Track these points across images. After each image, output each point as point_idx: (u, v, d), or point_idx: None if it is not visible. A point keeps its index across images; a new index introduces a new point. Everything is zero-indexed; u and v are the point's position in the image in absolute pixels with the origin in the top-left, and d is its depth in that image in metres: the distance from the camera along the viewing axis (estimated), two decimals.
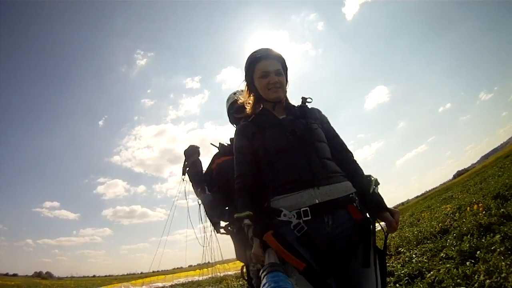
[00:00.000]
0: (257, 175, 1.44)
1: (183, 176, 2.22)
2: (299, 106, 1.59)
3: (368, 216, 1.34)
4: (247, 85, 1.64)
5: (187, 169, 2.19)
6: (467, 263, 3.04)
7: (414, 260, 4.41)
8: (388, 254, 5.32)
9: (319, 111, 1.62)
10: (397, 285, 3.69)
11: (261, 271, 1.04)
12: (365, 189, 1.37)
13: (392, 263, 4.84)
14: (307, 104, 1.60)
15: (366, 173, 1.47)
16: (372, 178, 1.41)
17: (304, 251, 1.22)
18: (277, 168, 1.37)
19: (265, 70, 1.52)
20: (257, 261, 1.26)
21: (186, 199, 2.23)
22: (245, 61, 1.60)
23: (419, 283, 3.16)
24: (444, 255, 4.05)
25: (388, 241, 7.06)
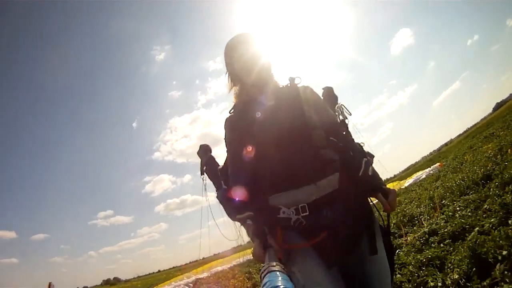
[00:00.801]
0: (252, 170, 1.37)
1: (202, 176, 2.26)
2: (288, 88, 1.50)
3: (366, 202, 1.36)
4: (229, 74, 1.58)
5: (204, 168, 2.23)
6: (510, 221, 2.95)
7: (457, 215, 4.32)
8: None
9: (311, 91, 1.52)
10: (441, 244, 3.67)
11: (261, 271, 1.02)
12: (358, 168, 1.36)
13: (436, 219, 4.78)
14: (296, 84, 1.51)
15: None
16: (363, 160, 1.39)
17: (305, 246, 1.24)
18: (271, 163, 1.31)
19: (243, 54, 1.46)
20: (258, 261, 1.25)
21: (204, 196, 2.25)
22: (224, 51, 1.54)
23: (459, 247, 3.13)
24: (487, 206, 3.94)
25: (432, 192, 6.96)
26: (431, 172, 14.79)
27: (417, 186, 12.29)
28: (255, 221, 1.30)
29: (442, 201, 5.84)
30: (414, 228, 5.16)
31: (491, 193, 4.33)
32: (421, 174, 15.80)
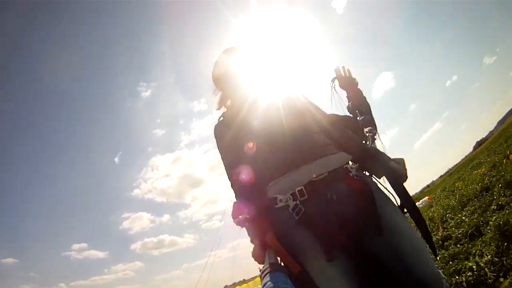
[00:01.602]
0: (251, 170, 1.32)
1: None
2: (278, 93, 1.50)
3: (367, 182, 1.25)
4: (219, 86, 1.58)
5: None
6: None
7: (466, 220, 4.34)
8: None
9: (294, 90, 1.53)
10: (458, 245, 3.63)
11: (261, 271, 1.00)
12: (361, 149, 1.31)
13: (441, 229, 4.76)
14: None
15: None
16: (368, 135, 1.37)
17: (305, 236, 1.14)
18: (267, 155, 1.29)
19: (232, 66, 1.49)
20: (257, 261, 1.19)
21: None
22: (214, 64, 1.58)
23: (485, 230, 3.12)
24: (496, 206, 4.00)
25: (430, 214, 6.95)
26: (421, 205, 14.82)
27: (410, 218, 12.25)
28: (253, 222, 1.25)
29: (443, 217, 5.83)
30: None
31: (495, 195, 4.41)
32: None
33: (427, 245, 1.19)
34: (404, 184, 1.26)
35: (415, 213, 1.20)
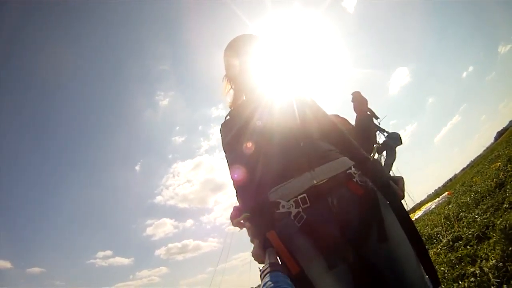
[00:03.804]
0: (251, 170, 1.33)
1: None
2: (285, 91, 1.48)
3: (372, 188, 1.23)
4: (227, 77, 1.56)
5: None
6: None
7: (478, 219, 4.22)
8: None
9: (302, 92, 1.51)
10: (467, 246, 3.54)
11: (261, 271, 1.00)
12: (362, 159, 1.30)
13: (456, 227, 4.65)
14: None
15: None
16: (374, 146, 1.36)
17: (306, 243, 1.13)
18: (269, 158, 1.28)
19: (243, 57, 1.45)
20: (257, 261, 1.19)
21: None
22: (224, 52, 1.53)
23: (491, 233, 3.03)
24: (508, 204, 3.86)
25: (447, 212, 6.79)
26: (441, 201, 14.47)
27: (428, 215, 11.99)
28: (253, 221, 1.26)
29: (458, 215, 5.70)
30: (434, 244, 4.98)
31: (508, 193, 4.27)
32: (431, 205, 15.42)
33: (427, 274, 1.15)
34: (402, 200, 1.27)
35: (411, 231, 1.17)
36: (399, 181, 1.29)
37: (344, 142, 1.35)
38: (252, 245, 1.24)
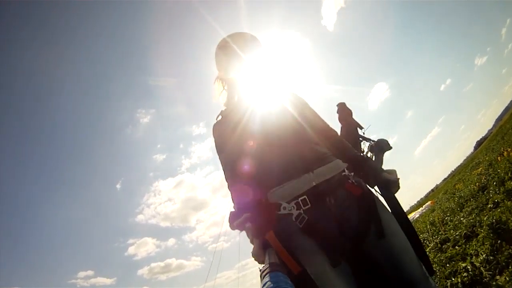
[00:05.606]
0: (248, 171, 1.31)
1: None
2: (278, 93, 1.49)
3: (368, 187, 1.29)
4: (219, 78, 1.54)
5: None
6: None
7: (464, 221, 4.29)
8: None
9: (295, 95, 1.52)
10: (456, 247, 3.57)
11: (261, 271, 1.00)
12: (359, 159, 1.38)
13: (443, 231, 4.70)
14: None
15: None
16: (367, 143, 1.42)
17: (308, 242, 1.14)
18: (269, 160, 1.28)
19: (236, 56, 1.43)
20: (257, 261, 1.18)
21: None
22: (215, 51, 1.51)
23: (478, 229, 3.07)
24: (492, 204, 3.95)
25: (432, 218, 6.89)
26: (424, 210, 14.69)
27: (413, 223, 12.12)
28: (253, 222, 1.22)
29: (443, 220, 5.78)
30: None
31: (491, 194, 4.38)
32: (414, 214, 15.57)
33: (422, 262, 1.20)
34: (396, 195, 1.35)
35: (406, 224, 1.24)
36: (392, 173, 1.35)
37: (338, 142, 1.41)
38: (252, 246, 1.22)
